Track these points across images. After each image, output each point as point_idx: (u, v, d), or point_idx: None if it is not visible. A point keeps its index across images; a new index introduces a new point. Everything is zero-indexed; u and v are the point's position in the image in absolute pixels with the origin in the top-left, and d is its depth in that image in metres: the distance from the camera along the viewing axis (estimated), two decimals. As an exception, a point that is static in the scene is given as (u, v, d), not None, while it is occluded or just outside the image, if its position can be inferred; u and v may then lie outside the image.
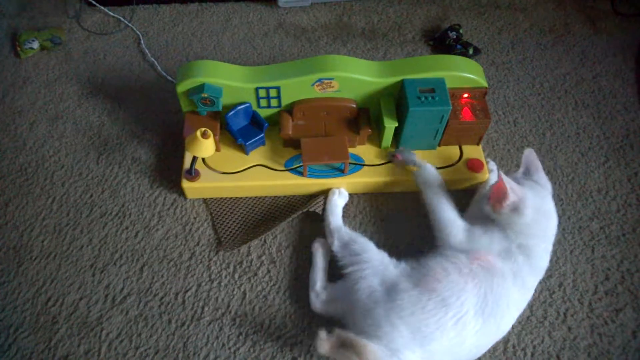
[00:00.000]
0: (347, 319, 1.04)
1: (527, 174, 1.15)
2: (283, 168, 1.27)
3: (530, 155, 1.16)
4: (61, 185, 1.32)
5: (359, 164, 1.28)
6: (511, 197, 1.04)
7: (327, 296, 1.09)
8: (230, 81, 1.20)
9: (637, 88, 1.54)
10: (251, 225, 1.24)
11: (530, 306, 1.12)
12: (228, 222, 1.25)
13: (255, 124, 1.28)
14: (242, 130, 1.28)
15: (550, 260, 1.18)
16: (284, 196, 1.29)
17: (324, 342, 0.95)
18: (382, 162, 1.28)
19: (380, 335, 0.96)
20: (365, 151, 1.30)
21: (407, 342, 0.95)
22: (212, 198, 1.29)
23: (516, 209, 1.04)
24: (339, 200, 1.23)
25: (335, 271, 1.11)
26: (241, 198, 1.29)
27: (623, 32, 1.70)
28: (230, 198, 1.29)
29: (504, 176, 1.03)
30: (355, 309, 1.02)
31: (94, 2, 1.72)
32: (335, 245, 1.13)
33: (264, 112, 1.29)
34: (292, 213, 1.24)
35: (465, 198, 1.29)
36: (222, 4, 1.78)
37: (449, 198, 1.17)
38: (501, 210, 1.05)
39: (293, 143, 1.28)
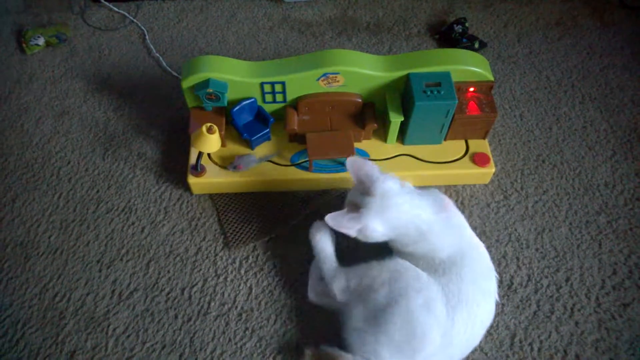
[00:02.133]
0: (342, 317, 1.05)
1: (362, 184, 1.03)
2: (288, 163, 1.27)
3: (352, 165, 1.05)
4: (67, 181, 1.33)
5: (365, 158, 1.27)
6: (352, 234, 1.00)
7: (322, 291, 1.09)
8: (235, 76, 1.20)
9: (645, 81, 1.53)
10: (257, 222, 1.24)
11: (537, 301, 1.12)
12: (234, 219, 1.24)
13: (261, 119, 1.28)
14: (248, 125, 1.28)
15: (557, 255, 1.18)
16: (291, 193, 1.29)
17: (309, 358, 0.97)
18: (389, 156, 1.28)
19: (367, 352, 0.97)
20: (371, 146, 1.30)
21: (395, 355, 0.95)
22: (218, 193, 1.29)
23: (366, 236, 1.01)
24: (322, 243, 1.11)
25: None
26: (247, 193, 1.29)
27: (630, 25, 1.69)
28: (236, 193, 1.29)
29: (329, 218, 0.99)
30: (345, 325, 1.03)
31: (98, -2, 1.73)
32: (338, 297, 1.05)
33: (269, 107, 1.28)
34: (296, 215, 1.24)
35: (469, 191, 1.29)
36: (227, -1, 1.79)
37: None
38: (362, 239, 1.02)
39: (298, 138, 1.28)
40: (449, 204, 1.09)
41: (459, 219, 1.09)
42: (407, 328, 0.94)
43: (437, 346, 0.94)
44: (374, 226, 0.99)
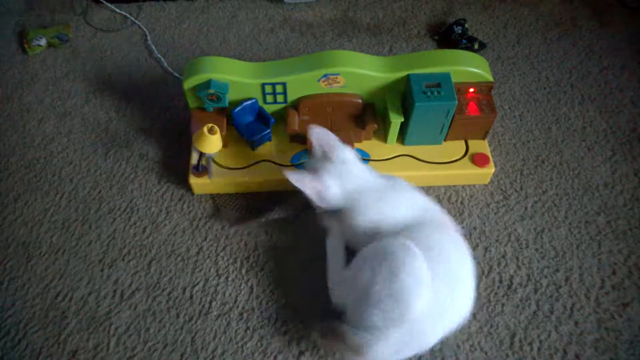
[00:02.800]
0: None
1: (323, 153, 1.11)
2: (289, 163, 1.28)
3: (316, 134, 1.12)
4: (69, 182, 1.33)
5: (365, 159, 1.28)
6: (311, 194, 1.08)
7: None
8: (237, 77, 1.21)
9: (644, 82, 1.53)
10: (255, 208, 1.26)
11: (537, 301, 1.13)
12: (231, 207, 1.26)
13: (262, 119, 1.28)
14: (249, 126, 1.28)
15: (557, 255, 1.19)
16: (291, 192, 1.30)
17: (314, 334, 1.02)
18: (389, 157, 1.29)
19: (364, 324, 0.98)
20: (372, 146, 1.31)
21: (388, 321, 0.96)
22: (219, 194, 1.29)
23: (322, 198, 1.08)
24: (335, 245, 1.15)
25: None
26: (248, 193, 1.29)
27: (630, 26, 1.69)
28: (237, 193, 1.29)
29: (291, 175, 1.06)
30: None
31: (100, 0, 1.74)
32: (333, 300, 1.08)
33: (270, 108, 1.29)
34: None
35: (469, 191, 1.29)
36: (228, 0, 1.79)
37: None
38: (319, 206, 1.10)
39: (299, 138, 1.29)
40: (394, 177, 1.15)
41: (409, 186, 1.13)
42: (393, 292, 0.95)
43: (423, 312, 0.94)
44: (332, 188, 1.07)
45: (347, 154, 1.11)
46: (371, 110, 1.29)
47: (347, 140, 1.23)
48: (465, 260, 1.01)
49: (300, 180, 1.07)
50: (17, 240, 1.24)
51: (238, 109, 1.24)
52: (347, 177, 1.09)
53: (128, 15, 1.73)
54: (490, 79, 1.24)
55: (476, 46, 1.60)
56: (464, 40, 1.61)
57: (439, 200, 1.28)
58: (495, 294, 1.14)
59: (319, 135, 1.13)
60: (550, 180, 1.32)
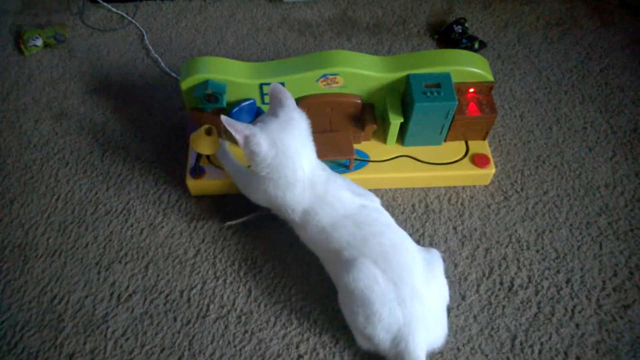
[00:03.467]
0: None
1: (274, 112, 1.07)
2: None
3: (272, 91, 1.08)
4: (66, 183, 1.32)
5: (364, 159, 1.27)
6: (239, 139, 1.03)
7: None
8: (235, 77, 1.20)
9: (645, 81, 1.52)
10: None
11: (538, 303, 1.12)
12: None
13: (260, 120, 1.27)
14: (247, 126, 1.27)
15: (558, 256, 1.18)
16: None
17: None
18: (388, 158, 1.28)
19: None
20: (371, 147, 1.30)
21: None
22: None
23: (249, 149, 1.04)
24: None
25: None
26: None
27: (631, 25, 1.69)
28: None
29: (222, 117, 1.01)
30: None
31: (97, -1, 1.73)
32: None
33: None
34: None
35: (470, 192, 1.28)
36: (226, -1, 1.78)
37: None
38: (248, 156, 1.06)
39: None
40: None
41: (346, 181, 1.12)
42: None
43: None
44: (261, 140, 1.03)
45: (297, 115, 1.06)
46: (370, 111, 1.28)
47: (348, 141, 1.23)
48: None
49: (231, 125, 1.02)
50: (13, 242, 1.22)
51: (236, 109, 1.23)
52: (283, 136, 1.03)
53: (125, 14, 1.72)
54: (491, 78, 1.23)
55: (476, 45, 1.59)
56: (464, 40, 1.60)
57: (439, 201, 1.27)
58: (496, 296, 1.13)
59: (277, 90, 1.07)
60: (551, 181, 1.31)
